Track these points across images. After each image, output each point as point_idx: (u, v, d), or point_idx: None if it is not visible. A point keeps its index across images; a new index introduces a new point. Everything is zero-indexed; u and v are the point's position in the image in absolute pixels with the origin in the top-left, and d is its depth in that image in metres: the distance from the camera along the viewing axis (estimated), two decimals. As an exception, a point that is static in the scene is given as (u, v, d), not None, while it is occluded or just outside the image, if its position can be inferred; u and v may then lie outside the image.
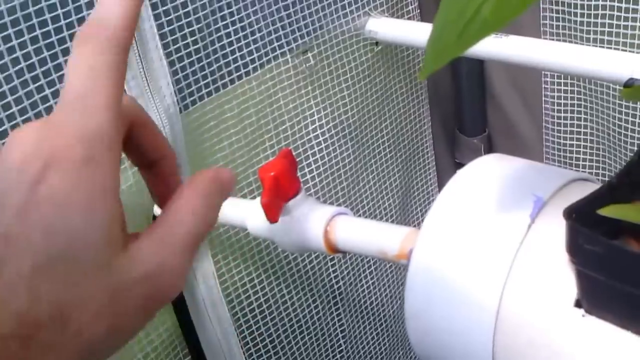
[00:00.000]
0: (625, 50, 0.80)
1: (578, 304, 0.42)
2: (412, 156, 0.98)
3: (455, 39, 0.32)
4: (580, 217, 0.40)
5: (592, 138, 0.89)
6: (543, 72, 0.87)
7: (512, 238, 0.45)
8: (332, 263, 0.88)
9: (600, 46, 0.82)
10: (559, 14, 0.83)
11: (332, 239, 0.57)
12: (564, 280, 0.42)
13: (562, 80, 0.87)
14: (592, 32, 0.81)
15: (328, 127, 0.81)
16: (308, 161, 0.80)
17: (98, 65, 0.31)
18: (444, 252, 0.47)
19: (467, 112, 0.93)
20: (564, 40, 0.84)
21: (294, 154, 0.60)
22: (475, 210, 0.47)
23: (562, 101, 0.88)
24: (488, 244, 0.45)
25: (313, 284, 0.88)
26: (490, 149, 0.97)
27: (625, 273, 0.38)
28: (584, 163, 0.91)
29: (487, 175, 0.49)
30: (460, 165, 0.96)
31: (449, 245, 0.47)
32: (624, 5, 0.78)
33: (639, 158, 0.43)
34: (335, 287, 0.91)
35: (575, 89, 0.87)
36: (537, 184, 0.47)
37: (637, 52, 0.76)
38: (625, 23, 0.78)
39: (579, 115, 0.88)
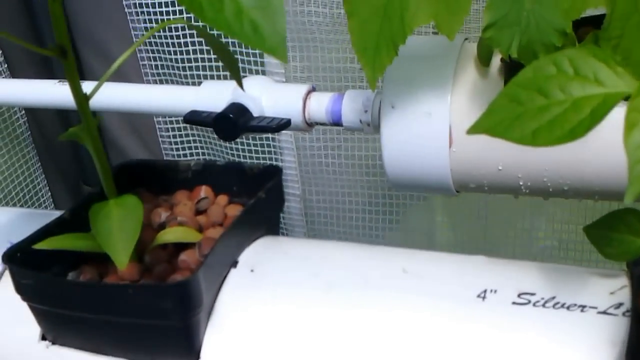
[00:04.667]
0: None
1: (43, 337, 0.41)
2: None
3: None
4: (26, 254, 0.40)
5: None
6: (154, 112, 0.89)
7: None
8: None
9: (198, 83, 0.85)
10: (155, 58, 0.86)
11: None
12: (30, 316, 0.41)
13: (174, 118, 0.90)
14: (187, 69, 0.84)
15: None
16: None
17: None
18: None
19: (87, 161, 0.92)
20: (166, 80, 0.87)
21: None
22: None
23: (179, 139, 0.91)
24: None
25: None
26: (119, 195, 0.96)
27: (63, 299, 0.39)
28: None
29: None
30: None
31: None
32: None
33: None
34: None
35: (183, 124, 0.90)
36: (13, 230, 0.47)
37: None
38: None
39: (196, 149, 0.91)
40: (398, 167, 0.56)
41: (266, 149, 0.88)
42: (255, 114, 0.66)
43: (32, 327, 0.42)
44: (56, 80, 0.69)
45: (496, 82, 0.51)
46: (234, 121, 0.65)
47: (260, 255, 0.41)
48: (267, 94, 0.66)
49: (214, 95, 0.68)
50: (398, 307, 0.38)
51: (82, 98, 0.36)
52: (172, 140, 0.90)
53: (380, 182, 0.89)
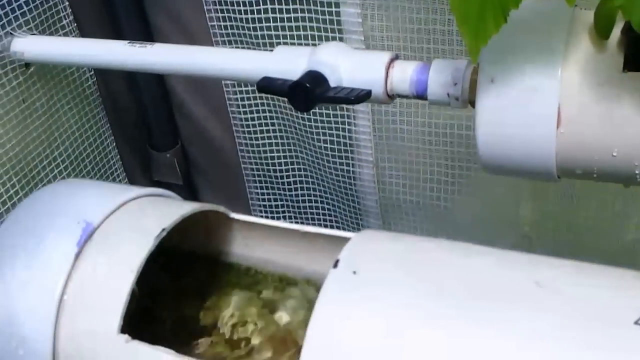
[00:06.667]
0: (294, 43, 0.80)
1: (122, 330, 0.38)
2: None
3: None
4: None
5: (281, 134, 0.88)
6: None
7: (60, 269, 0.40)
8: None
9: (269, 43, 0.80)
10: (225, 18, 0.81)
11: None
12: (110, 308, 0.38)
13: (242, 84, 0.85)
14: (259, 30, 0.80)
15: (-18, 164, 0.74)
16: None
17: None
18: None
19: (154, 125, 0.88)
20: (236, 41, 0.82)
21: None
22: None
23: (247, 102, 0.86)
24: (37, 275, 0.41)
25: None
26: (185, 161, 0.93)
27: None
28: (279, 160, 0.90)
29: (40, 205, 0.44)
30: (158, 183, 0.91)
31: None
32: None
33: None
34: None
35: (251, 88, 0.85)
36: (89, 209, 0.43)
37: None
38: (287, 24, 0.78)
39: (265, 114, 0.87)
40: (494, 148, 0.51)
41: (339, 112, 0.83)
42: (332, 84, 0.61)
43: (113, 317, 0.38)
44: (126, 41, 0.65)
45: (614, 57, 0.45)
46: (310, 91, 0.60)
47: (362, 255, 0.36)
48: (346, 62, 0.61)
49: (288, 62, 0.63)
50: (529, 328, 0.31)
51: None
52: (240, 102, 0.86)
53: (457, 153, 0.83)
